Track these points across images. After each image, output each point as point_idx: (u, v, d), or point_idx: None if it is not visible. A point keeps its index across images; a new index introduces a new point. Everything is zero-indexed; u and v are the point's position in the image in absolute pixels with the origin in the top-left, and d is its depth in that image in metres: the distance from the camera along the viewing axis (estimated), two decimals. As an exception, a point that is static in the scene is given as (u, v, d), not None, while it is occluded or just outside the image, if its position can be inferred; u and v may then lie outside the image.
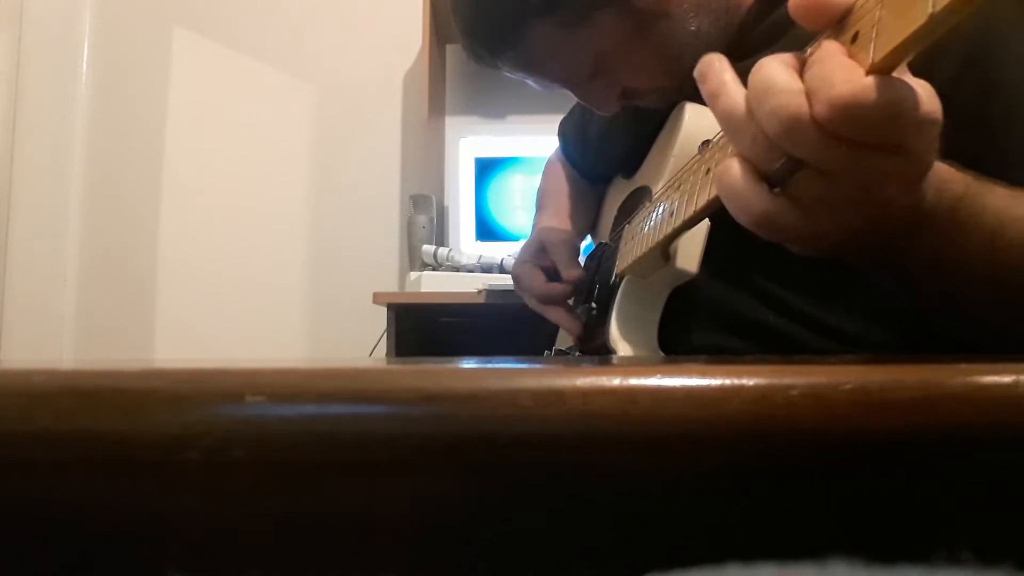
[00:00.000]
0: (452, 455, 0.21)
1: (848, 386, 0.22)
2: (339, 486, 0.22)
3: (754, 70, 0.32)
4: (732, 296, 0.61)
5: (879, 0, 0.29)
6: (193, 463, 0.21)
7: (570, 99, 0.97)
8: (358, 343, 1.67)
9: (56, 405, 0.21)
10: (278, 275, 1.79)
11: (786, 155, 0.31)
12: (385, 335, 1.34)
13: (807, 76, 0.30)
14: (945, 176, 0.37)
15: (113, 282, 1.78)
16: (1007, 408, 0.22)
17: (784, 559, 0.17)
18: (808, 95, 0.30)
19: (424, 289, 1.32)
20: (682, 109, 0.64)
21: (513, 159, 1.64)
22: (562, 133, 0.95)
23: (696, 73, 0.36)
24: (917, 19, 0.26)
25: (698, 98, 0.59)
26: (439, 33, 1.69)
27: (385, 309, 1.32)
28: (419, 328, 1.41)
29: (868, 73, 0.29)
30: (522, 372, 0.23)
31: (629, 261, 0.61)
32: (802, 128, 0.30)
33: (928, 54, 0.46)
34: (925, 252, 0.39)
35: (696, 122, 0.63)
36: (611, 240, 0.74)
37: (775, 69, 0.31)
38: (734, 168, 0.33)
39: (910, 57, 0.28)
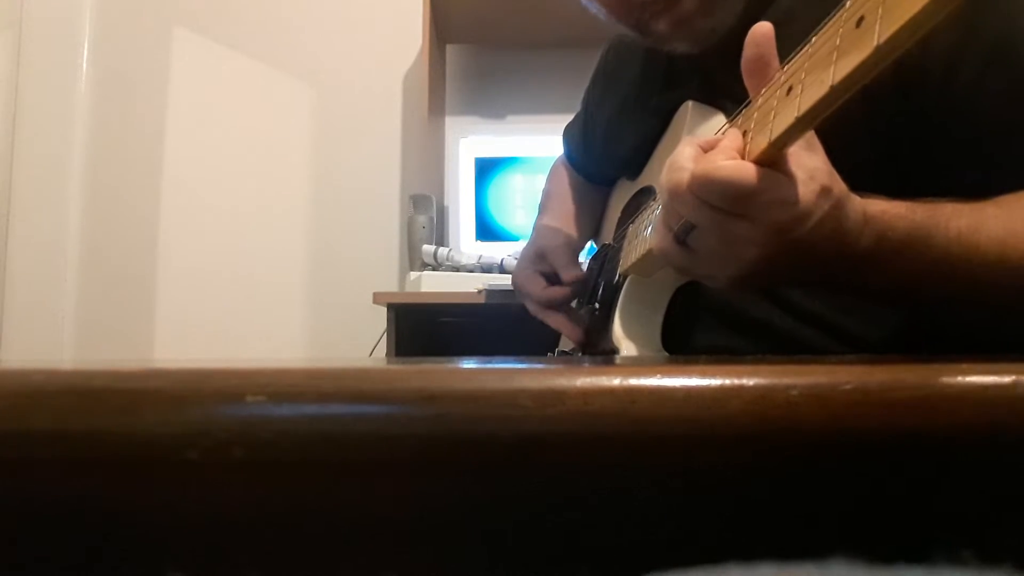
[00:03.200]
0: (452, 455, 0.21)
1: (848, 386, 0.22)
2: (339, 486, 0.22)
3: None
4: (738, 295, 0.60)
5: (802, 64, 0.35)
6: (193, 463, 0.21)
7: (571, 99, 0.96)
8: (358, 343, 1.67)
9: (56, 405, 0.21)
10: (278, 275, 1.79)
11: (680, 216, 0.42)
12: (385, 335, 1.34)
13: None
14: (888, 221, 0.43)
15: (113, 282, 1.78)
16: (1007, 408, 0.22)
17: (784, 559, 0.17)
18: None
19: (424, 289, 1.31)
20: (687, 109, 0.64)
21: (513, 159, 1.63)
22: (567, 137, 0.95)
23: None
24: (823, 87, 0.32)
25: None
26: (439, 33, 1.69)
27: (385, 309, 1.32)
28: (419, 328, 1.41)
29: (783, 129, 0.35)
30: (522, 372, 0.23)
31: (632, 260, 0.61)
32: (681, 194, 0.40)
33: (950, 55, 0.50)
34: (876, 281, 0.46)
35: (701, 123, 0.62)
36: (615, 241, 0.74)
37: (681, 151, 0.41)
38: (658, 220, 0.46)
39: (831, 110, 0.34)
